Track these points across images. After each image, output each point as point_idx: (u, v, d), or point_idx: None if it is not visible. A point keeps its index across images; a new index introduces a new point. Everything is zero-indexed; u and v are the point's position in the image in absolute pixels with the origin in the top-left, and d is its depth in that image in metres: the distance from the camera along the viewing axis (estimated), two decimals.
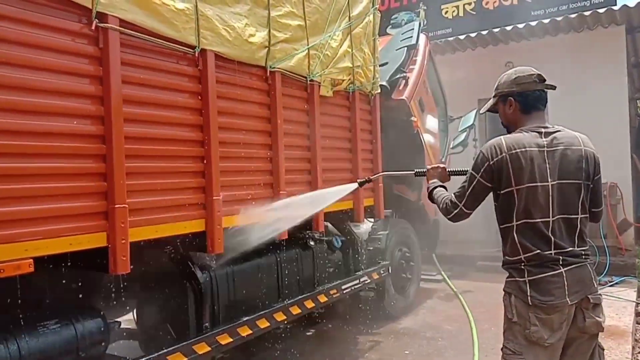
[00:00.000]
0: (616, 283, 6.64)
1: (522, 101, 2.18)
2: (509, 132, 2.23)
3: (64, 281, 2.65)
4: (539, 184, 2.04)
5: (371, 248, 5.09)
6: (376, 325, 5.22)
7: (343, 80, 4.16)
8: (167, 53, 2.71)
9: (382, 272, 4.91)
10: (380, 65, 4.86)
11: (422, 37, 6.25)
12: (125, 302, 3.05)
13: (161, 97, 2.68)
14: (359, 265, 4.69)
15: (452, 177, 2.56)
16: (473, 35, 8.39)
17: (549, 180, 2.05)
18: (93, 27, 2.33)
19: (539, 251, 2.04)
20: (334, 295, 4.16)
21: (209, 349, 2.89)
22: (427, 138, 6.07)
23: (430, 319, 5.46)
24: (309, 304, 3.82)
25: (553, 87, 2.22)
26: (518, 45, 8.67)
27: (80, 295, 2.63)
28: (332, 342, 4.83)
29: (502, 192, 2.11)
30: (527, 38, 8.48)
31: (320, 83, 3.85)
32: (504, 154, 2.07)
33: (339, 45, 3.99)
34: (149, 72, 2.62)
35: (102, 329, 2.63)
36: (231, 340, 3.05)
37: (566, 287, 2.02)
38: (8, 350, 2.27)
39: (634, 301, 5.77)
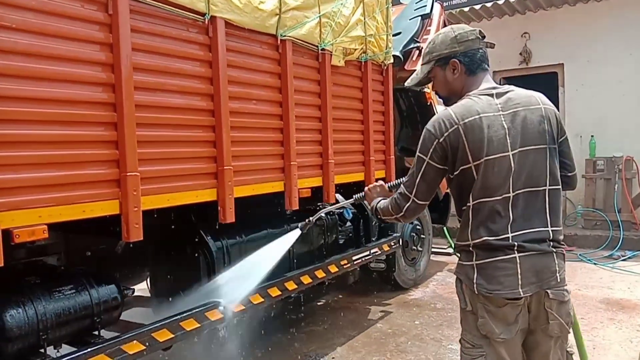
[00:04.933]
0: (629, 257, 6.61)
1: (468, 62, 1.88)
2: (450, 103, 1.94)
3: (78, 248, 2.70)
4: (498, 155, 1.75)
5: None
6: (386, 297, 5.27)
7: (355, 50, 4.09)
8: (177, 20, 2.67)
9: (392, 244, 4.92)
10: (393, 35, 4.76)
11: (437, 6, 6.11)
12: (139, 269, 3.09)
13: (171, 65, 2.65)
14: (370, 237, 4.70)
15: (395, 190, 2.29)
16: (489, 4, 8.19)
17: (509, 149, 1.76)
18: None
19: (491, 236, 1.77)
20: (345, 266, 4.19)
21: (221, 315, 2.93)
22: (440, 110, 5.99)
23: (440, 291, 5.49)
24: (320, 274, 3.85)
25: (492, 45, 1.98)
26: (535, 15, 8.47)
27: (95, 262, 2.67)
28: (342, 312, 4.89)
29: (457, 172, 1.81)
30: (545, 7, 8.26)
31: (331, 52, 3.79)
32: (455, 126, 1.77)
33: (351, 13, 3.91)
34: (159, 39, 2.58)
35: (117, 295, 2.68)
36: (243, 307, 3.09)
37: (519, 276, 1.73)
38: (26, 315, 2.32)
39: None
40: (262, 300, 3.25)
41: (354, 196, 2.50)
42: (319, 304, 5.14)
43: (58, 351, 2.50)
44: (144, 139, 2.45)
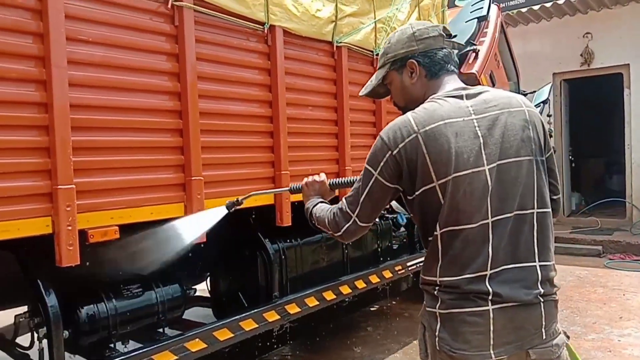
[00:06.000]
0: None
1: (428, 63, 1.56)
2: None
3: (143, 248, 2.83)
4: (470, 170, 1.40)
5: None
6: None
7: None
8: (238, 30, 2.77)
9: None
10: None
11: (494, 8, 5.98)
12: (201, 271, 3.21)
13: (233, 73, 2.76)
14: None
15: (337, 190, 1.97)
16: (548, 5, 7.93)
17: (485, 162, 1.40)
18: (169, 6, 2.42)
19: (465, 274, 1.40)
20: (399, 272, 4.17)
21: (278, 317, 3.00)
22: None
23: None
24: (374, 279, 3.85)
25: (462, 45, 1.68)
26: (598, 14, 8.12)
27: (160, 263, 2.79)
28: (396, 318, 4.86)
29: (418, 192, 1.45)
30: (609, 6, 7.91)
31: None
32: (414, 135, 1.42)
33: (406, 17, 3.91)
34: (222, 49, 2.69)
35: (180, 294, 2.80)
36: (299, 310, 3.15)
37: (491, 334, 1.38)
38: (98, 311, 2.47)
39: None
40: (318, 303, 3.29)
41: (290, 185, 2.11)
42: (372, 309, 5.12)
43: (125, 347, 2.64)
44: (207, 144, 2.56)
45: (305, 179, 1.92)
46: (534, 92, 6.44)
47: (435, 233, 1.45)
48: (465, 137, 1.41)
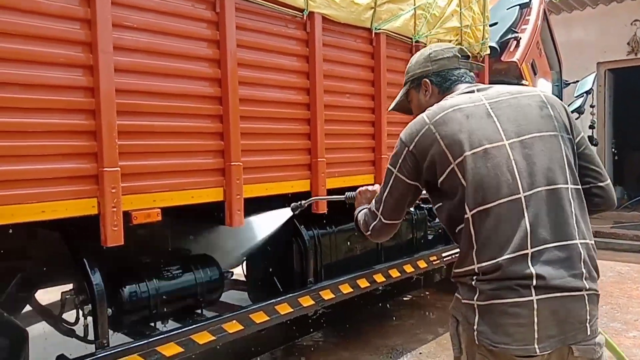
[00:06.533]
0: None
1: (440, 82, 1.64)
2: None
3: (184, 232, 2.90)
4: (488, 145, 1.40)
5: None
6: None
7: (450, 41, 4.01)
8: (277, 17, 2.78)
9: None
10: (490, 25, 4.60)
11: None
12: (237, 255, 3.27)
13: (272, 60, 2.77)
14: None
15: None
16: None
17: (503, 137, 1.41)
18: None
19: (504, 255, 1.34)
20: (434, 262, 4.14)
21: (313, 302, 3.03)
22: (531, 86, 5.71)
23: None
24: (408, 269, 3.84)
25: (481, 66, 1.72)
26: None
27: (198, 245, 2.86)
28: (429, 308, 4.84)
29: (441, 179, 1.45)
30: None
31: (426, 44, 3.75)
32: (426, 127, 1.47)
33: (447, 4, 3.83)
34: (261, 36, 2.71)
35: (218, 277, 2.86)
36: (333, 296, 3.17)
37: (535, 327, 1.32)
38: (139, 290, 2.55)
39: None
40: (352, 290, 3.31)
41: (346, 193, 2.12)
42: (404, 299, 5.11)
43: (165, 326, 2.72)
44: (246, 131, 2.59)
45: (359, 189, 1.99)
46: (577, 81, 6.25)
47: (465, 216, 1.41)
48: (477, 117, 1.45)
